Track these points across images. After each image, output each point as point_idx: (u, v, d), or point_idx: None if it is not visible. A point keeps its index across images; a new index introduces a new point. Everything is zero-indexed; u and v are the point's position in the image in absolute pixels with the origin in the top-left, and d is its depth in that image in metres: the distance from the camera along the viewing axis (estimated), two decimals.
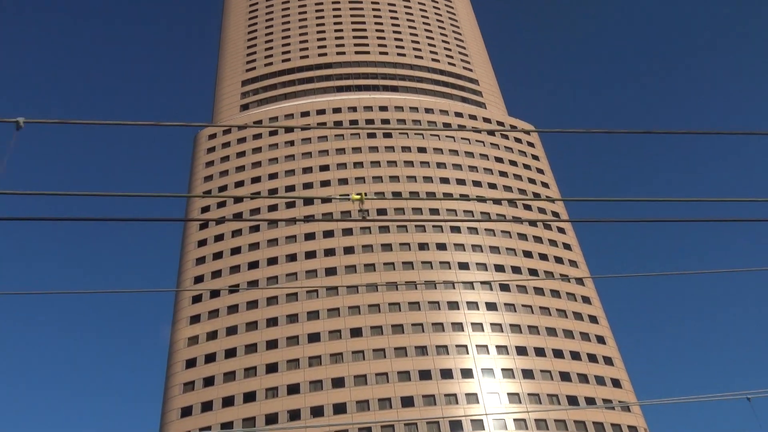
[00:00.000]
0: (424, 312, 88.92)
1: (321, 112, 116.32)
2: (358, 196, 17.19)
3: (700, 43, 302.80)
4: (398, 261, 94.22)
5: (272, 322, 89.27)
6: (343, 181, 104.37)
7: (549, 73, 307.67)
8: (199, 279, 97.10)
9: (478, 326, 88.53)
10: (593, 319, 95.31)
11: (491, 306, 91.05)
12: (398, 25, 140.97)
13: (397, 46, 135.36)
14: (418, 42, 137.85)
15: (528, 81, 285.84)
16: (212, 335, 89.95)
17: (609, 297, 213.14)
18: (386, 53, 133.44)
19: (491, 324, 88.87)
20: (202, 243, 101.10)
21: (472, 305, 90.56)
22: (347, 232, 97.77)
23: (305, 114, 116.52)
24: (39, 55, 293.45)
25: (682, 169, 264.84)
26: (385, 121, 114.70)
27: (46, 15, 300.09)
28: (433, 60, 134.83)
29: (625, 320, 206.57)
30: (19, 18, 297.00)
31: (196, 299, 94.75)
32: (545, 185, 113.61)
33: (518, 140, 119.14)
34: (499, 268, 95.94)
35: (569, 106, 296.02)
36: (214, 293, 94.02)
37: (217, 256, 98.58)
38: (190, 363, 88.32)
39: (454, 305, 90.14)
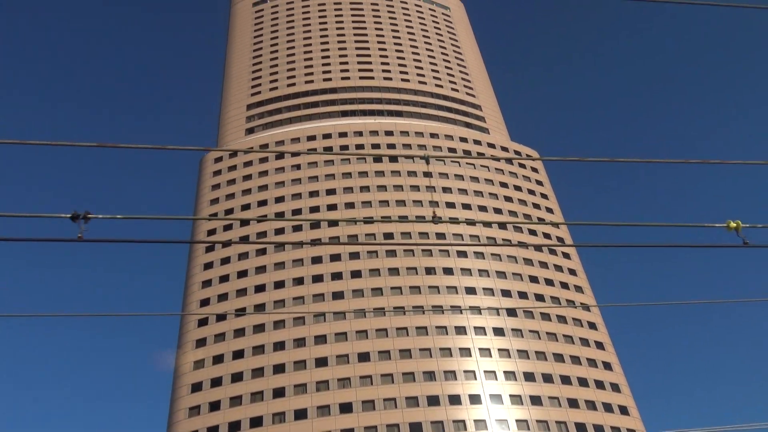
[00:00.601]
0: (432, 337, 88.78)
1: (327, 136, 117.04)
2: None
3: (700, 70, 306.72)
4: (405, 285, 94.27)
5: (279, 346, 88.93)
6: (350, 205, 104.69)
7: (549, 99, 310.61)
8: (205, 302, 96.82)
9: (485, 351, 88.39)
10: (600, 346, 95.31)
11: (498, 331, 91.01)
12: (402, 51, 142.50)
13: (401, 72, 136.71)
14: (421, 68, 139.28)
15: (529, 106, 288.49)
16: (218, 359, 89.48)
17: (615, 323, 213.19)
18: (390, 78, 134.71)
19: (499, 349, 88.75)
20: (208, 266, 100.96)
21: (480, 330, 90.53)
22: (354, 255, 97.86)
23: (311, 138, 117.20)
24: (48, 77, 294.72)
25: (687, 193, 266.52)
26: (391, 146, 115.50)
27: (56, 37, 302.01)
28: (437, 86, 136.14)
29: (631, 344, 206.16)
30: (30, 41, 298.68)
31: (202, 322, 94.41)
32: (549, 210, 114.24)
33: (522, 165, 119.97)
34: (506, 293, 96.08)
35: (571, 130, 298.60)
36: (221, 316, 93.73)
37: (224, 279, 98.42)
38: (196, 387, 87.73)
39: (461, 330, 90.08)
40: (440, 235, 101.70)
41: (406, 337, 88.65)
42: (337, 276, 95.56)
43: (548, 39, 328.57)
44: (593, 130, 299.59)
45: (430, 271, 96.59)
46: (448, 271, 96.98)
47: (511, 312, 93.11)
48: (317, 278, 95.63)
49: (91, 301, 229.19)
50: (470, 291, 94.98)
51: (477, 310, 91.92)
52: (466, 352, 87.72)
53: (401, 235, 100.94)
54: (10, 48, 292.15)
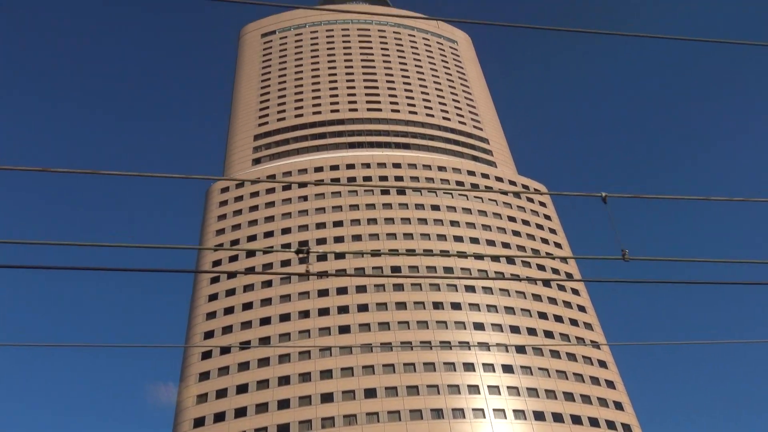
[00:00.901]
0: (440, 373, 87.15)
1: (335, 167, 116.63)
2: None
3: (704, 105, 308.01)
4: (413, 320, 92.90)
5: (284, 380, 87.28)
6: (357, 238, 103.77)
7: (556, 133, 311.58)
8: (209, 334, 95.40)
9: (494, 389, 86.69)
10: (610, 384, 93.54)
11: (508, 368, 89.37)
12: (410, 83, 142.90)
13: (408, 104, 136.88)
14: (429, 100, 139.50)
15: (536, 140, 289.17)
16: (222, 393, 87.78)
17: (625, 360, 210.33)
18: (398, 111, 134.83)
19: (508, 387, 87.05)
20: (213, 297, 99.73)
21: (488, 367, 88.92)
22: (361, 289, 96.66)
23: (319, 169, 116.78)
24: (58, 106, 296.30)
25: (698, 228, 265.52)
26: (399, 178, 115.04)
27: (65, 67, 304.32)
28: (444, 118, 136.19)
29: (642, 383, 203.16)
30: (43, 72, 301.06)
31: (206, 355, 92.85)
32: (558, 245, 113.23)
33: (530, 200, 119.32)
34: (515, 330, 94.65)
35: (578, 163, 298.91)
36: (225, 349, 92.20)
37: (228, 311, 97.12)
38: (198, 422, 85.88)
39: (470, 367, 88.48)
40: (448, 269, 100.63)
41: (413, 373, 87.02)
42: (343, 309, 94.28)
43: (555, 73, 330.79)
44: (601, 164, 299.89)
45: (437, 305, 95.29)
46: (456, 306, 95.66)
47: (521, 349, 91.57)
48: (323, 311, 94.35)
49: (89, 331, 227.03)
50: (478, 326, 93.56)
51: (486, 346, 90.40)
52: (474, 389, 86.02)
53: (409, 269, 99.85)
54: (26, 79, 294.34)
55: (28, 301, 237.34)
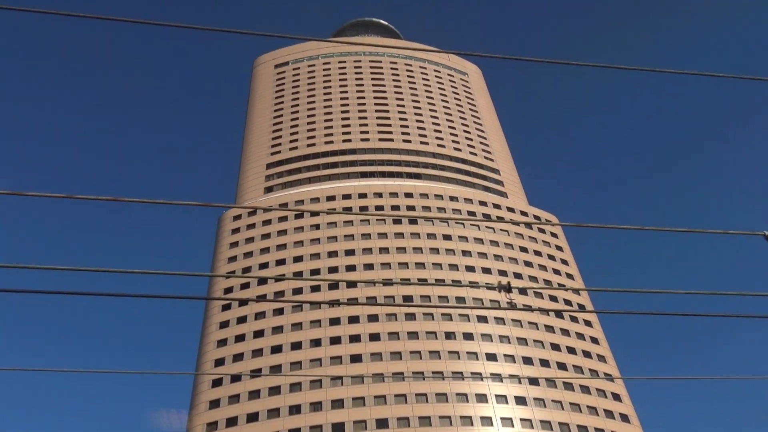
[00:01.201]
0: (452, 404, 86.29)
1: (347, 196, 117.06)
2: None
3: (716, 135, 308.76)
4: (425, 350, 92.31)
5: (295, 409, 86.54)
6: (369, 267, 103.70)
7: (565, 164, 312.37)
8: (219, 362, 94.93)
9: (507, 421, 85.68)
10: (625, 418, 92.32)
11: (521, 400, 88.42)
12: (421, 114, 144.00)
13: (420, 135, 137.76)
14: (440, 131, 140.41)
15: (545, 171, 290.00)
16: (232, 421, 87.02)
17: (638, 391, 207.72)
18: (409, 141, 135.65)
19: (521, 419, 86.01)
20: (224, 324, 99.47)
21: (501, 399, 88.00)
22: (373, 318, 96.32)
23: (331, 198, 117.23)
24: (77, 136, 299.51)
25: (715, 260, 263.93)
26: (411, 208, 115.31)
27: (84, 97, 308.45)
28: (455, 149, 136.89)
29: (655, 414, 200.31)
30: (61, 100, 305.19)
31: (217, 383, 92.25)
32: (570, 276, 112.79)
33: (542, 230, 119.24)
34: (528, 361, 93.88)
35: (588, 193, 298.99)
36: (235, 377, 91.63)
37: (240, 338, 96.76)
38: None
39: (482, 398, 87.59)
40: (460, 299, 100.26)
41: (425, 404, 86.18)
42: (355, 338, 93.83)
43: (563, 104, 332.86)
44: (611, 194, 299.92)
45: (450, 335, 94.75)
46: (468, 336, 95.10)
47: (533, 381, 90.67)
48: (335, 340, 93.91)
49: (97, 356, 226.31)
50: (491, 357, 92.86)
51: (498, 377, 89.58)
52: (487, 421, 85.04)
53: (420, 298, 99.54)
54: (49, 111, 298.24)
55: (38, 325, 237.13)
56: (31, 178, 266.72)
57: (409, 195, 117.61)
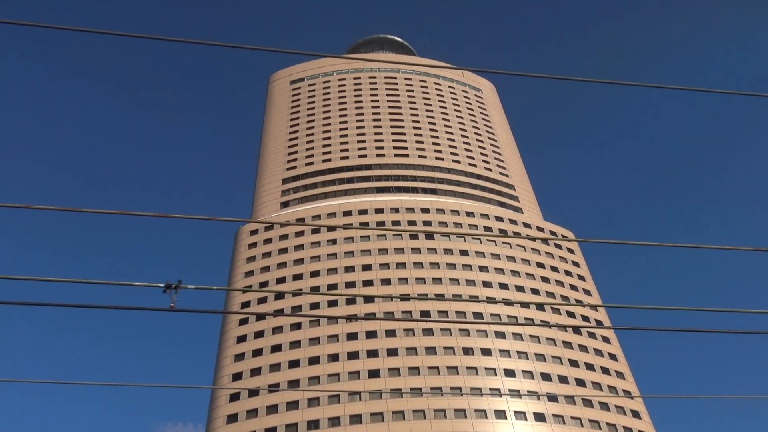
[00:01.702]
0: (471, 420, 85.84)
1: (363, 212, 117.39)
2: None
3: (732, 151, 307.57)
4: (443, 365, 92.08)
5: (313, 424, 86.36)
6: (386, 282, 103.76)
7: (579, 179, 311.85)
8: (237, 376, 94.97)
9: None
10: None
11: (540, 417, 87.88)
12: (436, 130, 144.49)
13: (435, 150, 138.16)
14: (455, 147, 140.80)
15: (559, 186, 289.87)
16: None
17: (657, 408, 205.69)
18: (425, 156, 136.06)
19: None
20: (241, 339, 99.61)
21: (520, 415, 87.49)
22: (390, 333, 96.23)
23: (347, 213, 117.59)
24: (93, 149, 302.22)
25: (732, 273, 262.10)
26: (427, 223, 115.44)
27: (99, 112, 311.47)
28: (470, 164, 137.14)
29: (674, 430, 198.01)
30: (81, 117, 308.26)
31: (234, 397, 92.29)
32: (587, 292, 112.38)
33: (558, 246, 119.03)
34: (546, 377, 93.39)
35: (602, 207, 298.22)
36: (253, 392, 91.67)
37: (257, 353, 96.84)
38: None
39: (501, 414, 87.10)
40: (477, 315, 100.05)
41: (444, 420, 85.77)
42: (372, 353, 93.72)
43: (577, 119, 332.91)
44: (626, 209, 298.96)
45: (467, 351, 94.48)
46: (486, 352, 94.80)
47: (552, 397, 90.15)
48: (352, 355, 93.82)
49: (114, 370, 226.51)
50: (509, 373, 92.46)
51: (517, 393, 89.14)
52: None
53: (438, 314, 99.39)
54: (67, 122, 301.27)
55: (52, 338, 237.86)
56: (50, 192, 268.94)
57: (425, 210, 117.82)
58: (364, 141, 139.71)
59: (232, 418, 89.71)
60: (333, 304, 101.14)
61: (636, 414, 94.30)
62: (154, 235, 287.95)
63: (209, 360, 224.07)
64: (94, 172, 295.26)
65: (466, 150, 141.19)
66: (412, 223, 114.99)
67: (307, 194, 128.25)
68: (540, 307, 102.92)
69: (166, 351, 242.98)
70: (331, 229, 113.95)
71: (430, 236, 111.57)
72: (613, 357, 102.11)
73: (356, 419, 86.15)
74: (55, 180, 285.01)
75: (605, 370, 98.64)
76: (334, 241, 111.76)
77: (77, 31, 12.65)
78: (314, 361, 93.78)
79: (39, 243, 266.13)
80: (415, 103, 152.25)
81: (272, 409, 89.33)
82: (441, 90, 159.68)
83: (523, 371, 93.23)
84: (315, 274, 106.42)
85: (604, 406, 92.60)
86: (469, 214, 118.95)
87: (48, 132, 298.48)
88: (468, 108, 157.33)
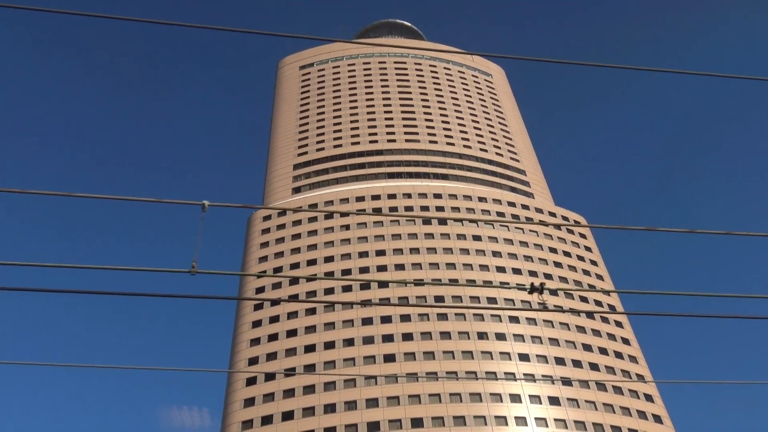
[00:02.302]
0: (486, 404, 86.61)
1: (376, 197, 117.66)
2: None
3: (743, 135, 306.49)
4: (458, 350, 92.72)
5: (330, 408, 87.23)
6: (400, 267, 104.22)
7: (590, 163, 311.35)
8: (253, 360, 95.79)
9: (542, 421, 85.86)
10: (658, 419, 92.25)
11: (554, 401, 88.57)
12: (446, 115, 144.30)
13: (446, 136, 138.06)
14: (466, 132, 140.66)
15: (570, 171, 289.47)
16: (267, 420, 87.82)
17: (670, 394, 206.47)
18: (436, 142, 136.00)
19: (555, 419, 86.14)
20: (256, 324, 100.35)
21: (535, 399, 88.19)
22: (405, 318, 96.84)
23: (360, 199, 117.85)
24: (104, 139, 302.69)
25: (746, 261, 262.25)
26: (440, 209, 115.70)
27: (109, 100, 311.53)
28: (481, 150, 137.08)
29: (687, 414, 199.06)
30: (94, 108, 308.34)
31: (251, 382, 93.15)
32: (599, 277, 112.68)
33: (570, 231, 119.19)
34: (560, 361, 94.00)
35: (614, 193, 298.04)
36: (269, 376, 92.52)
37: (273, 337, 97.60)
38: None
39: (516, 398, 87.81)
40: (491, 300, 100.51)
41: (459, 404, 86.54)
42: (388, 338, 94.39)
43: (587, 104, 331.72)
44: (637, 193, 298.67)
45: (482, 335, 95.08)
46: (500, 336, 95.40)
47: (566, 381, 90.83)
48: (368, 340, 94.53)
49: (125, 355, 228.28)
50: (524, 357, 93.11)
51: (532, 378, 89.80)
52: (521, 420, 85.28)
53: (452, 299, 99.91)
54: (81, 110, 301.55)
55: (67, 323, 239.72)
56: (65, 178, 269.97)
57: (438, 196, 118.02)
58: (375, 126, 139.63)
59: (249, 402, 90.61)
60: (347, 289, 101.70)
61: (649, 398, 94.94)
62: (163, 222, 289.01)
63: (224, 345, 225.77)
64: (106, 158, 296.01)
65: (477, 135, 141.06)
66: (424, 208, 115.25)
67: (318, 180, 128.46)
68: (553, 291, 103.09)
69: (176, 338, 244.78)
70: (344, 214, 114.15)
71: (443, 221, 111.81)
72: (626, 341, 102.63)
73: (373, 403, 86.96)
74: (68, 166, 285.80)
75: (618, 354, 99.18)
76: (347, 227, 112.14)
77: (86, 16, 12.79)
78: (330, 345, 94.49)
79: (40, 231, 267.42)
80: (425, 88, 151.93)
81: (289, 393, 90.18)
82: (451, 75, 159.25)
83: (537, 355, 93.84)
84: (329, 259, 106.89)
85: (618, 390, 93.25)
86: (481, 199, 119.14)
87: (57, 120, 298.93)
88: (478, 93, 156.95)
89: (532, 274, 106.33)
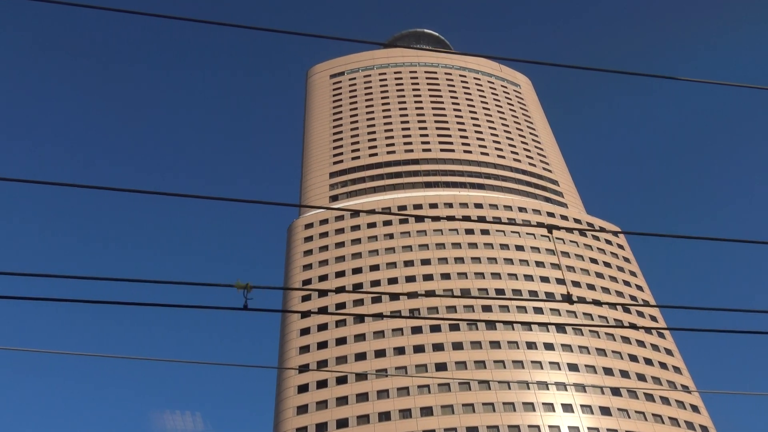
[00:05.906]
0: (540, 414, 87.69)
1: (417, 206, 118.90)
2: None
3: None
4: (508, 359, 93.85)
5: (384, 416, 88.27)
6: (446, 276, 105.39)
7: (619, 172, 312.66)
8: (303, 368, 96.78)
9: (574, 430, 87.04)
10: (705, 430, 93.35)
11: (605, 411, 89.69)
12: (479, 125, 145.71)
13: (480, 146, 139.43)
14: (498, 142, 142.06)
15: (600, 180, 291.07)
16: (322, 427, 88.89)
17: (715, 405, 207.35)
18: (470, 152, 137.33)
19: (607, 430, 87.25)
20: (304, 332, 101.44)
21: (587, 409, 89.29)
22: (454, 327, 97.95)
23: (402, 208, 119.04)
24: (142, 148, 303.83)
25: None
26: (481, 218, 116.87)
27: (147, 109, 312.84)
28: (515, 160, 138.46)
29: (732, 424, 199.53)
30: (136, 119, 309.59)
31: (302, 389, 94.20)
32: (639, 288, 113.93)
33: (608, 242, 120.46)
34: (608, 372, 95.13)
35: (643, 202, 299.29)
36: (321, 383, 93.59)
37: (322, 345, 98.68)
38: None
39: (568, 408, 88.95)
40: (537, 310, 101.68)
41: (513, 413, 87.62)
42: (438, 347, 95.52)
43: (615, 113, 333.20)
44: (666, 201, 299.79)
45: (530, 345, 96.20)
46: (548, 346, 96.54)
47: (616, 391, 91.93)
48: (418, 348, 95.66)
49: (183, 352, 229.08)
50: (572, 368, 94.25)
51: (582, 387, 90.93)
52: (575, 430, 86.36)
53: (499, 309, 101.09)
54: (111, 121, 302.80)
55: (113, 331, 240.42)
56: (110, 175, 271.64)
57: (478, 205, 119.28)
58: (409, 135, 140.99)
59: (302, 410, 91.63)
60: (394, 298, 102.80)
61: (695, 408, 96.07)
62: (203, 233, 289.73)
63: (272, 351, 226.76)
64: (144, 164, 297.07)
65: (510, 145, 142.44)
66: (465, 218, 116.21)
67: (355, 188, 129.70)
68: (597, 302, 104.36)
69: (223, 343, 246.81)
70: (387, 223, 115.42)
71: (485, 231, 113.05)
72: (669, 352, 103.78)
73: (427, 411, 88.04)
74: (113, 171, 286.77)
75: (663, 365, 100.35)
76: (390, 236, 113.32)
77: (119, 12, 12.79)
78: (380, 354, 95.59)
79: (104, 240, 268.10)
80: (456, 98, 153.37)
81: (342, 400, 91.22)
82: (481, 85, 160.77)
83: (585, 366, 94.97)
84: (374, 268, 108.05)
85: (665, 401, 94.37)
86: (521, 209, 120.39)
87: (85, 120, 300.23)
88: (508, 103, 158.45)
89: (576, 284, 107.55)
